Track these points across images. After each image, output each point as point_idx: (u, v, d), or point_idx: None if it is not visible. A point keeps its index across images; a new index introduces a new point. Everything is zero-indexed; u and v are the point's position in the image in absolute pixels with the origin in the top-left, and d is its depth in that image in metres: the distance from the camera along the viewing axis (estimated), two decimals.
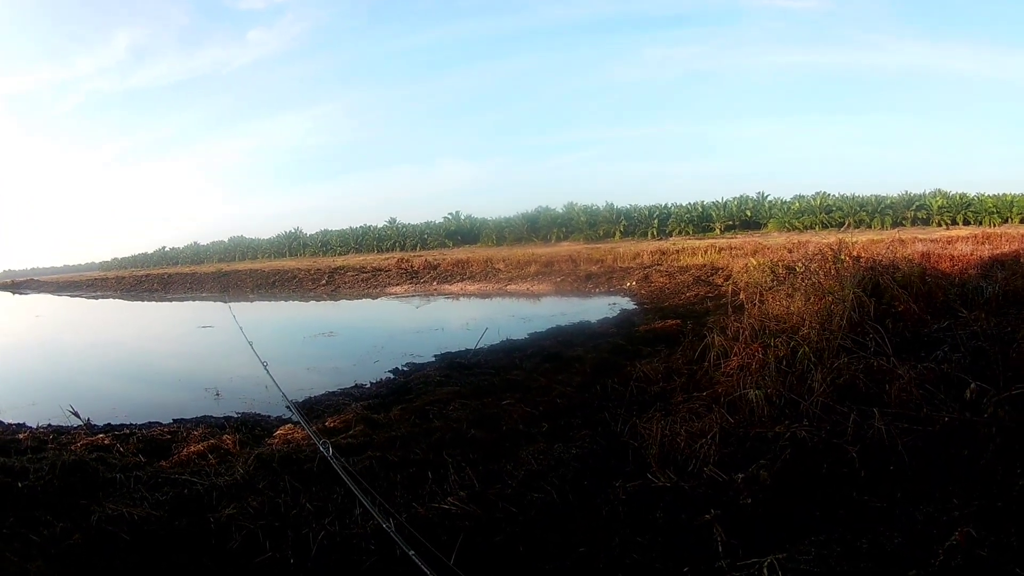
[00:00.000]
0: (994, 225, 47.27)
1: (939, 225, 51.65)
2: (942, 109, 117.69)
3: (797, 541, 3.39)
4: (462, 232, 73.01)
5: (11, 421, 8.50)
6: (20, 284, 67.91)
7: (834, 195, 60.77)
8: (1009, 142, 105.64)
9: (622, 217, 66.10)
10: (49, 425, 8.04)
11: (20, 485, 5.17)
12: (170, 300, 40.94)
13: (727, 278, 18.83)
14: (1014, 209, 51.73)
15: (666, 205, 66.66)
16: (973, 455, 3.91)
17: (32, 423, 8.21)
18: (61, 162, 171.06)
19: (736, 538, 3.55)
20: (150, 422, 8.19)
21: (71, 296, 51.98)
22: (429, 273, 36.71)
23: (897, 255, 10.75)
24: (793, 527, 3.58)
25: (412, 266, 39.26)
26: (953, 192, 56.39)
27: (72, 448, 6.59)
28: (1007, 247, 17.78)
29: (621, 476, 4.75)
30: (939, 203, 55.09)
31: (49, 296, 54.24)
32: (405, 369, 11.35)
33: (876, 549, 3.19)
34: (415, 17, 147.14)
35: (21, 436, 7.40)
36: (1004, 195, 53.38)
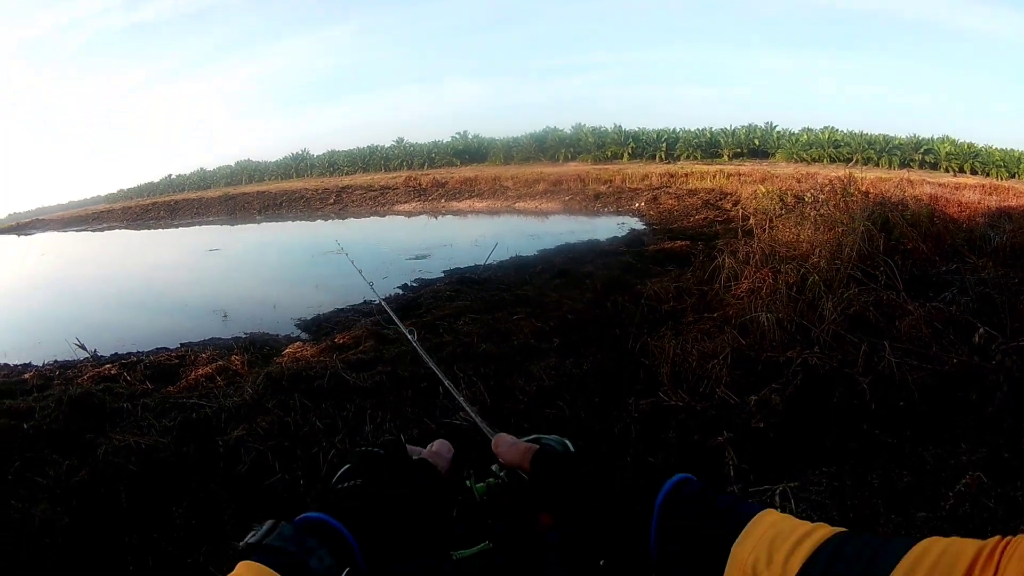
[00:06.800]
0: (1001, 178, 46.41)
1: (946, 171, 50.83)
2: (953, 60, 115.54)
3: (808, 470, 3.45)
4: (470, 151, 71.24)
5: (17, 362, 8.08)
6: (25, 225, 66.60)
7: (842, 131, 59.70)
8: (1016, 98, 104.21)
9: (630, 139, 64.87)
10: (55, 361, 7.76)
11: (25, 426, 4.93)
12: (177, 226, 39.44)
13: (736, 203, 18.60)
14: (1022, 165, 50.85)
15: (674, 129, 65.39)
16: (981, 400, 3.98)
17: (38, 362, 7.84)
18: (69, 100, 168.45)
19: (747, 463, 3.61)
20: (157, 348, 8.03)
21: (76, 231, 50.30)
22: (437, 191, 36.47)
23: (906, 194, 10.68)
24: (805, 455, 3.64)
25: (420, 184, 38.87)
26: (961, 140, 55.43)
27: (78, 382, 6.38)
28: (1015, 201, 17.99)
29: (633, 393, 4.74)
30: (947, 149, 54.15)
31: (54, 233, 52.41)
32: (414, 284, 11.25)
33: (887, 486, 3.25)
34: None
35: (27, 376, 7.06)
36: (1012, 150, 52.41)
